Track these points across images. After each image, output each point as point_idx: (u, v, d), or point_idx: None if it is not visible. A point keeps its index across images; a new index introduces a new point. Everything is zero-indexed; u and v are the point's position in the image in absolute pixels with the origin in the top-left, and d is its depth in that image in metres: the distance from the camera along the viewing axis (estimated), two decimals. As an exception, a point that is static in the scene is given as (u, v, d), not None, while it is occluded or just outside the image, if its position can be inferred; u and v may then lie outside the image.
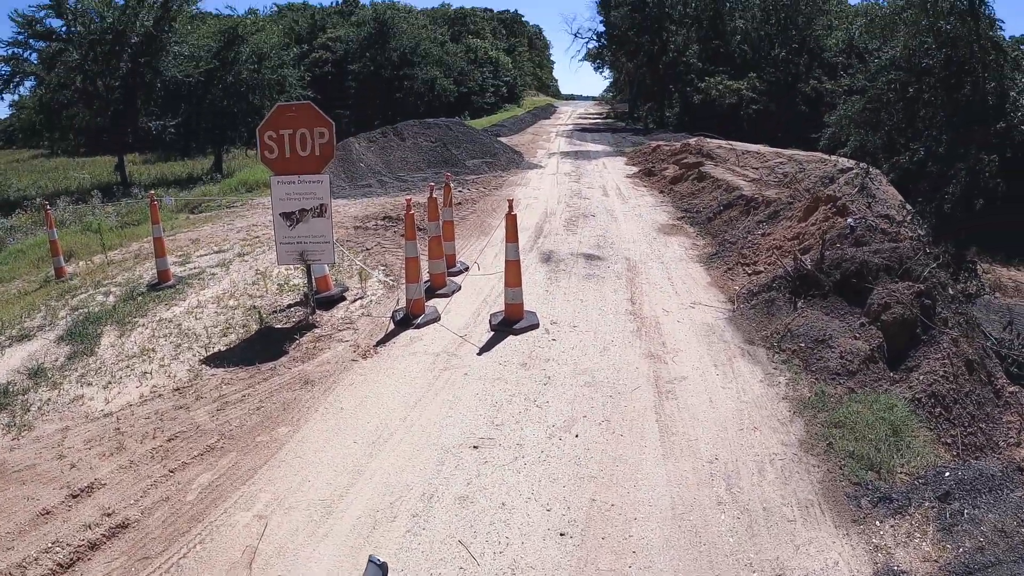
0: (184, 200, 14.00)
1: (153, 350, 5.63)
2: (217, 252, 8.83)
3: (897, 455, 3.78)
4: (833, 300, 5.71)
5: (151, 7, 19.64)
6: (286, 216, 5.88)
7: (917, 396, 4.50)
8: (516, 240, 5.70)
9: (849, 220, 6.70)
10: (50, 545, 3.47)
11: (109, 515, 3.67)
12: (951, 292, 5.69)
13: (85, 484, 3.95)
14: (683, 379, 4.80)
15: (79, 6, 19.00)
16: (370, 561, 1.55)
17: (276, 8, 47.44)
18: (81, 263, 9.13)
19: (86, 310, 6.92)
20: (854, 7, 17.81)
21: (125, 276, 8.09)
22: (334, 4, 49.55)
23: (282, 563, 3.23)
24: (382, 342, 5.48)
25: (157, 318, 6.42)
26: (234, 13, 25.07)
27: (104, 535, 3.54)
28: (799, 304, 5.84)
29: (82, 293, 7.63)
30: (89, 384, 5.23)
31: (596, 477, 3.71)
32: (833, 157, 17.07)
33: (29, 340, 6.31)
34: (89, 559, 3.41)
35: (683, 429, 4.17)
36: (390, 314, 6.02)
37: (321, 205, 5.80)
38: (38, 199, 15.53)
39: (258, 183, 15.17)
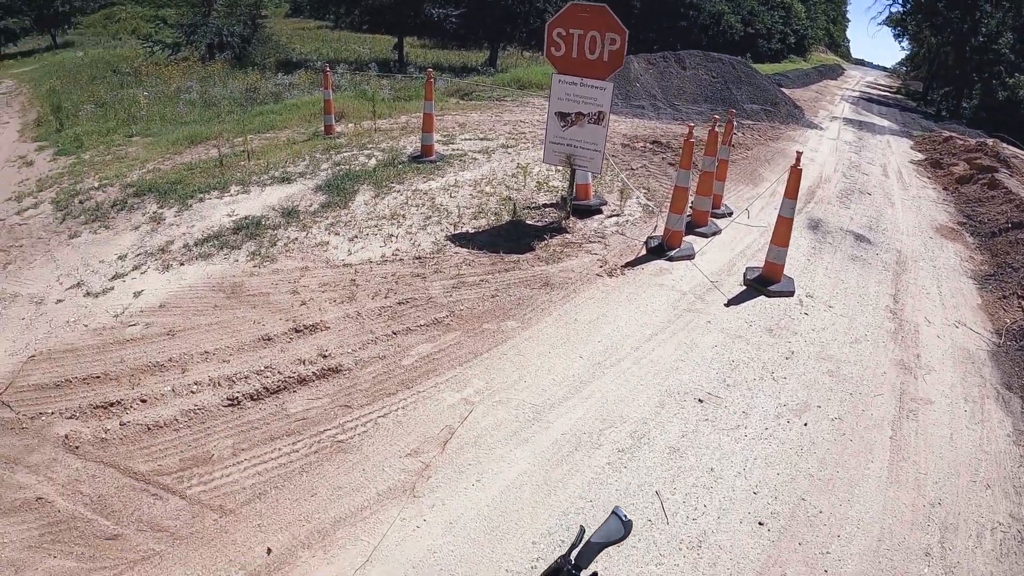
0: (456, 85, 14.21)
1: (403, 216, 5.81)
2: (481, 139, 8.90)
3: None
4: None
5: None
6: (561, 116, 5.75)
7: None
8: (795, 197, 5.19)
9: None
10: (263, 368, 3.74)
11: (325, 356, 3.89)
12: None
13: (310, 323, 4.22)
14: (929, 403, 4.16)
15: None
16: (614, 514, 1.33)
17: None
18: (350, 125, 9.65)
19: (347, 167, 7.28)
20: None
21: (389, 144, 8.39)
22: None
23: (475, 453, 3.22)
24: (630, 265, 5.28)
25: (413, 188, 6.59)
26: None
27: (315, 374, 3.74)
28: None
29: (346, 151, 8.06)
30: (336, 234, 5.53)
31: (813, 475, 3.32)
32: None
33: (289, 183, 6.84)
34: (294, 391, 3.61)
35: (915, 457, 3.61)
36: (644, 239, 5.81)
37: (599, 112, 5.61)
38: (319, 62, 16.48)
39: (531, 82, 15.14)
